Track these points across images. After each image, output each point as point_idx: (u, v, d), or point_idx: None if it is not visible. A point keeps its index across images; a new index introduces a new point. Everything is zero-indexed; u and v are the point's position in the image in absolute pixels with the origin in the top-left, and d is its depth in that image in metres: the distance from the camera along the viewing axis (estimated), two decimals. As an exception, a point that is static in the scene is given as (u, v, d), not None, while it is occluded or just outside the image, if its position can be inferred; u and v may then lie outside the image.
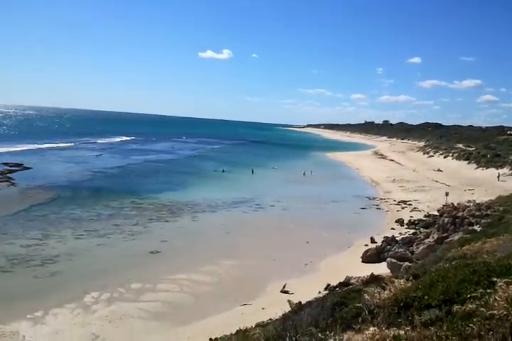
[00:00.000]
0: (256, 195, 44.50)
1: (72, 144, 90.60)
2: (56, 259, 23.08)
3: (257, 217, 36.04)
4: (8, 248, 24.31)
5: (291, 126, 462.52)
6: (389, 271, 20.25)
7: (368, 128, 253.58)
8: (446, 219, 29.21)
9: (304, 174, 64.29)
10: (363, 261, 24.65)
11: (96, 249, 25.40)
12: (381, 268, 20.91)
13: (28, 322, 16.36)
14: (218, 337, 13.27)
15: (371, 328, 5.36)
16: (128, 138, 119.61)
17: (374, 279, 14.77)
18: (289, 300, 15.60)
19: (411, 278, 7.73)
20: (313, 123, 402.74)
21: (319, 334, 5.52)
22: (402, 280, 7.29)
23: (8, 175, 47.02)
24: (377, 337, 5.05)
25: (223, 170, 63.45)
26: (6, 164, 54.00)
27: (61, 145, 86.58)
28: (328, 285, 19.41)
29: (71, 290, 19.24)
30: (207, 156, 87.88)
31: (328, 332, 5.57)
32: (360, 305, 6.38)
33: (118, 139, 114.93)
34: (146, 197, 40.44)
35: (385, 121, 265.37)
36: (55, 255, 23.69)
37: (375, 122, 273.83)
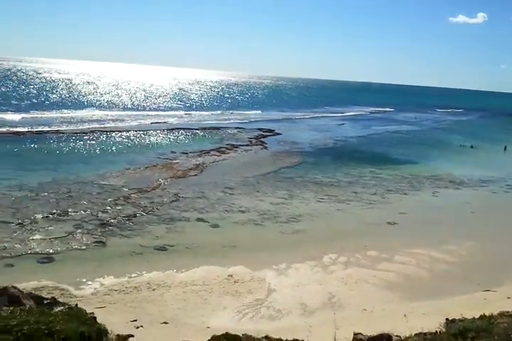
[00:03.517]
0: (508, 175, 40.01)
1: (317, 114, 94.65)
2: (299, 218, 24.99)
3: (509, 198, 32.42)
4: (259, 204, 27.25)
5: None
6: None
7: None
8: None
9: None
10: None
11: (335, 213, 26.57)
12: None
13: (274, 272, 18.23)
14: (456, 318, 12.63)
15: None
16: (369, 109, 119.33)
17: None
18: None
19: None
20: None
21: None
22: None
23: (262, 139, 52.26)
24: None
25: (471, 146, 58.62)
26: (260, 129, 60.12)
27: (308, 114, 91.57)
28: None
29: (311, 248, 20.65)
30: (452, 129, 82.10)
31: None
32: None
33: (360, 109, 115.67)
34: (385, 168, 40.22)
35: None
36: (298, 214, 25.64)
37: None
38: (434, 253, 20.77)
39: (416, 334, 11.29)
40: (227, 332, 9.50)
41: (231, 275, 17.53)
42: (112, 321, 9.19)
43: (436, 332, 10.68)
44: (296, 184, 32.72)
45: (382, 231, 23.77)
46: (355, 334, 10.94)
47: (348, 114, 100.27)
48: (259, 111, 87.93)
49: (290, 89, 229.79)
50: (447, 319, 13.20)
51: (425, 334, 10.73)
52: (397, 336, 11.16)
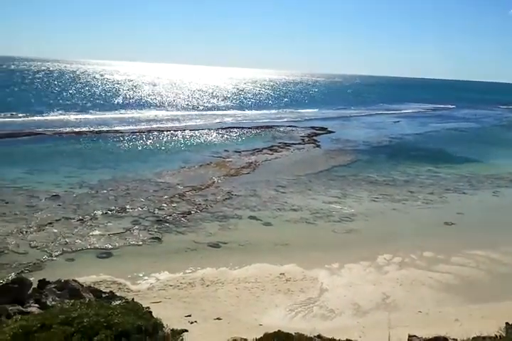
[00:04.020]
0: None
1: (373, 111, 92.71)
2: (352, 218, 24.64)
3: None
4: (312, 202, 27.08)
5: None
6: None
7: None
8: None
9: None
10: None
11: (390, 213, 26.01)
12: None
13: (326, 272, 18.08)
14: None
15: None
16: (427, 105, 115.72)
17: None
18: None
19: None
20: None
21: None
22: None
23: (314, 137, 51.92)
24: None
25: (536, 143, 55.86)
26: (313, 128, 59.77)
27: (363, 111, 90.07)
28: None
29: (364, 248, 20.32)
30: (515, 126, 78.40)
31: None
32: None
33: (417, 106, 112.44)
34: (443, 166, 38.97)
35: None
36: (352, 214, 25.30)
37: None
38: (493, 254, 19.95)
39: (474, 338, 10.92)
40: (279, 330, 9.56)
41: (283, 274, 17.58)
42: (166, 316, 9.44)
43: (496, 336, 10.29)
44: (350, 183, 32.27)
45: (438, 231, 23.04)
46: (409, 336, 10.72)
47: (404, 111, 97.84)
48: (315, 110, 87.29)
49: (345, 87, 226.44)
50: (507, 323, 12.69)
51: (484, 338, 10.36)
52: (453, 339, 10.83)
